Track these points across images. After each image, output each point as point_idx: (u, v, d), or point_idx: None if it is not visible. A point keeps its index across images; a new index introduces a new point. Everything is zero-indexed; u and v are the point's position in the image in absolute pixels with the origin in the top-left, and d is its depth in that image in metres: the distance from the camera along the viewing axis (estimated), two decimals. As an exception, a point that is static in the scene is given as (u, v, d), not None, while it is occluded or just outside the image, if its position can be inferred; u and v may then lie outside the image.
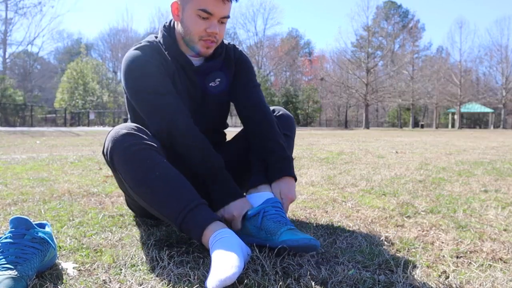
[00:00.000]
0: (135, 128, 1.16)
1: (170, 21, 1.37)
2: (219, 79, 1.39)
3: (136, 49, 1.29)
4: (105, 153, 1.19)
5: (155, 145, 1.15)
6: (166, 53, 1.30)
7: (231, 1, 1.23)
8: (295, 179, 1.34)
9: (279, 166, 1.31)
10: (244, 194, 1.30)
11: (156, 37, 1.35)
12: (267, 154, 1.33)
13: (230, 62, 1.41)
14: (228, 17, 1.26)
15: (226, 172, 1.24)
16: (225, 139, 1.58)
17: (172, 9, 1.30)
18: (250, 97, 1.41)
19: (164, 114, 1.23)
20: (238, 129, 1.59)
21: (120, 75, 1.36)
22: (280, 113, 1.48)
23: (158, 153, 1.14)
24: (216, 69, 1.38)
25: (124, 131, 1.14)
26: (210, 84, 1.38)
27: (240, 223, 1.20)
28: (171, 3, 1.29)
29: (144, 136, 1.15)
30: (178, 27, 1.31)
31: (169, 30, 1.34)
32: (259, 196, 1.23)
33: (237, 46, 1.46)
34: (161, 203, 1.09)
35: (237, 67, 1.44)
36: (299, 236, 1.07)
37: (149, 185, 1.09)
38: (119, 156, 1.12)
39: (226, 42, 1.43)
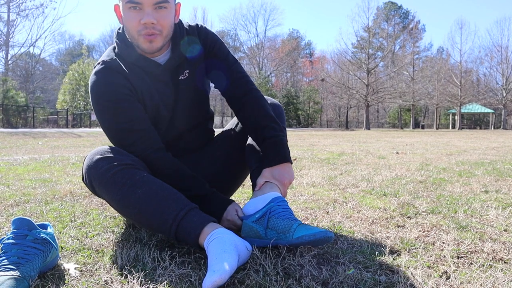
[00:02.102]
0: (109, 150, 1.15)
1: (122, 27, 1.28)
2: (187, 71, 1.31)
3: (95, 73, 1.22)
4: (85, 181, 1.19)
5: (132, 162, 1.14)
6: (125, 68, 1.22)
7: None
8: (291, 162, 1.30)
9: (272, 153, 1.27)
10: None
11: (115, 48, 1.27)
12: (261, 141, 1.29)
13: None
14: (164, 1, 1.15)
15: (208, 189, 1.24)
16: (213, 135, 1.55)
17: (116, 13, 1.23)
18: (235, 86, 1.33)
19: (135, 151, 1.20)
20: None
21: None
22: (269, 102, 1.41)
23: (136, 169, 1.13)
24: (183, 58, 1.29)
25: (98, 156, 1.13)
26: (180, 78, 1.31)
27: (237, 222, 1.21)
28: (114, 6, 1.23)
29: (119, 157, 1.13)
30: (125, 29, 1.22)
31: (123, 37, 1.25)
32: (264, 198, 1.20)
33: (201, 25, 1.34)
34: (151, 218, 1.08)
35: (208, 51, 1.33)
36: (315, 230, 1.06)
37: (135, 205, 1.08)
38: (98, 183, 1.12)
39: (186, 24, 1.33)
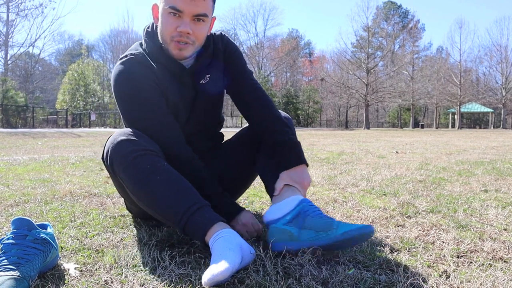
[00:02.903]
0: (133, 133, 1.15)
1: (152, 24, 1.31)
2: (208, 75, 1.35)
3: (122, 63, 1.23)
4: (104, 159, 1.19)
5: (155, 149, 1.15)
6: (152, 63, 1.25)
7: None
8: (307, 164, 1.29)
9: (288, 156, 1.26)
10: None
11: (142, 44, 1.30)
12: (273, 145, 1.29)
13: (218, 53, 1.36)
14: (204, 15, 1.18)
15: (222, 194, 1.24)
16: (223, 139, 1.57)
17: (153, 12, 1.25)
18: (247, 92, 1.37)
19: (160, 145, 1.20)
20: (239, 130, 1.59)
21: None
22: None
23: (158, 157, 1.14)
24: (206, 65, 1.34)
25: (123, 137, 1.13)
26: (201, 82, 1.34)
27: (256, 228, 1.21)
28: (152, 5, 1.25)
29: (143, 142, 1.14)
30: (158, 30, 1.25)
31: (152, 35, 1.28)
32: (289, 202, 1.18)
33: (224, 34, 1.40)
34: (164, 207, 1.09)
35: (227, 57, 1.39)
36: (358, 225, 1.05)
37: (151, 189, 1.09)
38: (119, 163, 1.12)
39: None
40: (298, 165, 1.25)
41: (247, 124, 1.48)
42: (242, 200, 1.90)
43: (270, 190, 1.30)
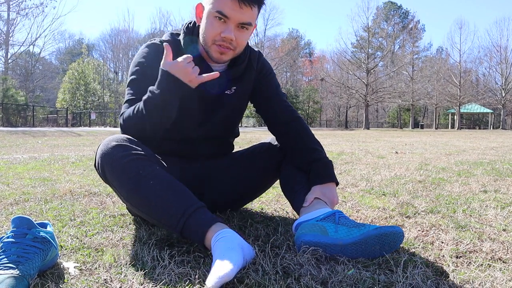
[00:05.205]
0: (125, 139, 1.15)
1: (194, 22, 1.32)
2: (234, 87, 1.37)
3: (148, 46, 1.29)
4: (96, 166, 1.19)
5: (147, 154, 1.14)
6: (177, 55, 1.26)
7: (251, 8, 1.17)
8: (337, 184, 1.34)
9: (322, 172, 1.31)
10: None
11: (178, 35, 1.33)
12: (310, 162, 1.33)
13: (251, 70, 1.39)
14: (249, 24, 1.20)
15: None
16: (233, 149, 1.58)
17: (196, 11, 1.25)
18: (283, 111, 1.42)
19: (143, 125, 1.22)
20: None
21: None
22: None
23: (150, 161, 1.13)
24: (236, 77, 1.35)
25: (114, 143, 1.13)
26: (226, 92, 1.36)
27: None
28: (196, 4, 1.25)
29: (135, 146, 1.13)
30: (200, 29, 1.27)
31: (190, 32, 1.31)
32: (321, 211, 1.18)
33: (261, 53, 1.43)
34: (159, 211, 1.08)
35: (262, 77, 1.42)
36: (390, 226, 1.07)
37: (145, 195, 1.08)
38: (111, 169, 1.11)
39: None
40: (330, 182, 1.30)
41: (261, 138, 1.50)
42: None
43: (296, 201, 1.31)
